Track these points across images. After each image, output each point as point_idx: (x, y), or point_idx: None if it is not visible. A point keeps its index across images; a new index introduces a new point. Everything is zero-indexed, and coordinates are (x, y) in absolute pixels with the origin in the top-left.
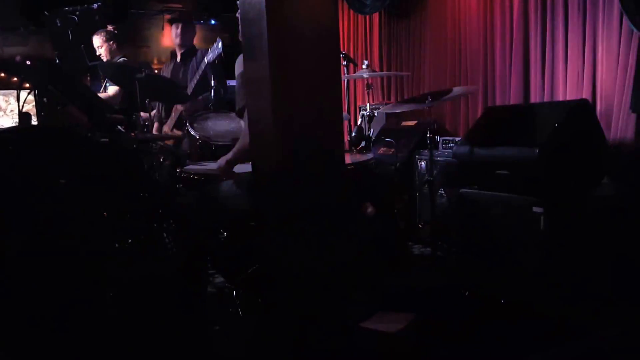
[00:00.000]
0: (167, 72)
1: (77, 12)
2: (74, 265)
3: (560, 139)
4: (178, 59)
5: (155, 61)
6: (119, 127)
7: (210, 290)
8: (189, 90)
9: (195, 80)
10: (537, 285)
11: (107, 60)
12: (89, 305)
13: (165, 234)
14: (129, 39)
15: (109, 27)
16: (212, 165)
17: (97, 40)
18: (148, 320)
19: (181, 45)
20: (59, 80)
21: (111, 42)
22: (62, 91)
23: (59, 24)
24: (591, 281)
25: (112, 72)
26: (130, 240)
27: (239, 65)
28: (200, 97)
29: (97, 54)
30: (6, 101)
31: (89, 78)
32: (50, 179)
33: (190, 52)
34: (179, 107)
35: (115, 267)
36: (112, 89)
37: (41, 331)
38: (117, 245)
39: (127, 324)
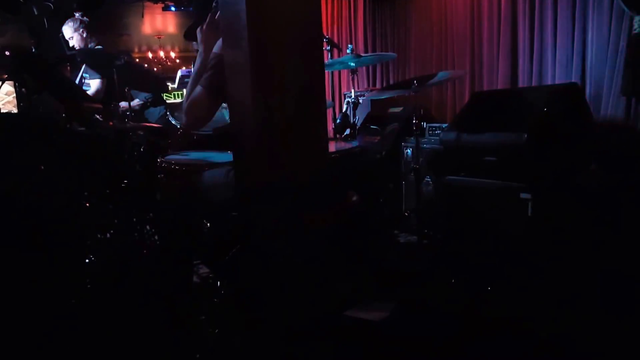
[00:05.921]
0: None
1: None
2: (54, 255)
3: (549, 124)
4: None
5: (137, 49)
6: (97, 116)
7: (195, 280)
8: None
9: None
10: (523, 272)
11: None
12: (69, 297)
13: (147, 225)
14: (108, 27)
15: (77, 15)
16: (193, 155)
17: (68, 31)
18: (132, 311)
19: None
20: (36, 70)
21: (81, 30)
22: (39, 80)
23: (35, 12)
24: (577, 268)
25: (90, 59)
26: (111, 231)
27: (217, 47)
28: None
29: (70, 45)
30: None
31: (69, 68)
32: (29, 166)
33: None
34: None
35: (98, 257)
36: (93, 83)
37: (18, 322)
38: (98, 235)
39: (111, 315)
